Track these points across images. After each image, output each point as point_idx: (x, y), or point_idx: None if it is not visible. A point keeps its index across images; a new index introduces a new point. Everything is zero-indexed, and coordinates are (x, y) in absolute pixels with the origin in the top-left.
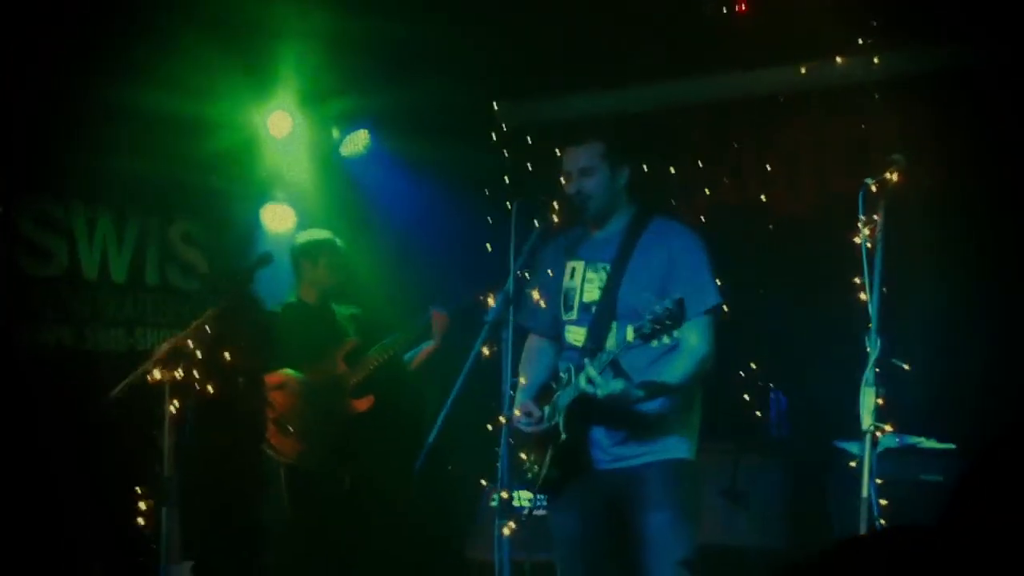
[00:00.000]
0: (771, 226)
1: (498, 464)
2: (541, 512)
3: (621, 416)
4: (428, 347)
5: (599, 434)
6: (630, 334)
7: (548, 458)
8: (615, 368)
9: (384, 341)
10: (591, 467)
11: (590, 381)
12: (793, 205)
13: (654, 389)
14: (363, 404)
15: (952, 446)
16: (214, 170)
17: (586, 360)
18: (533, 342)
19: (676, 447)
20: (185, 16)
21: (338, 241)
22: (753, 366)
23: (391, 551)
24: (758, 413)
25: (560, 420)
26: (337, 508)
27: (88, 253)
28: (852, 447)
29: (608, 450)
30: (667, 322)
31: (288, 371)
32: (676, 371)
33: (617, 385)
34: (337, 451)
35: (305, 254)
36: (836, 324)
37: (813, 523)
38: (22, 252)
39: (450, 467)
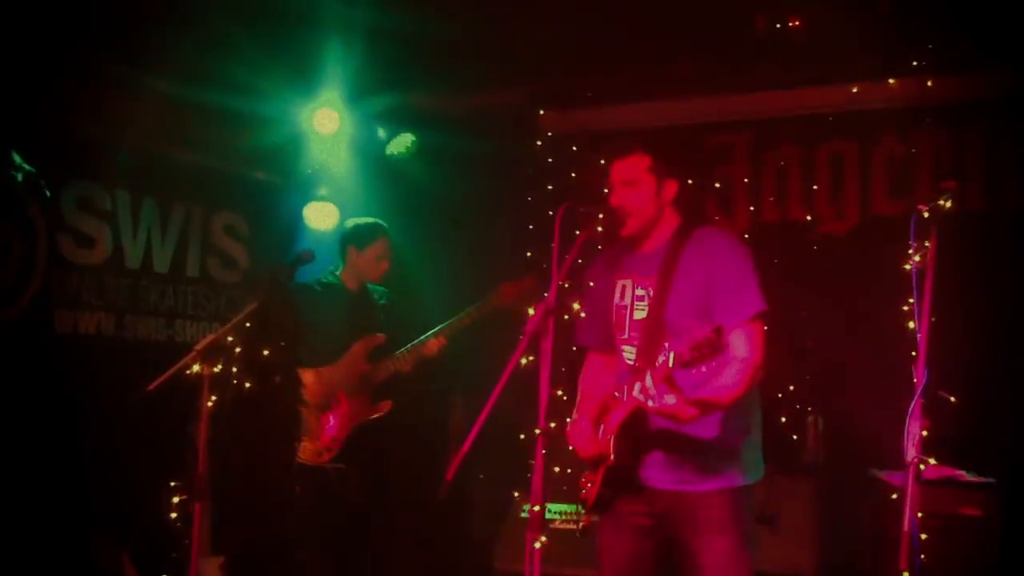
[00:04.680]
0: (815, 246)
1: (530, 476)
2: (575, 526)
3: (671, 438)
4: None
5: (655, 455)
6: (671, 360)
7: (600, 477)
8: (669, 383)
9: (406, 347)
10: (644, 487)
11: (644, 391)
12: (838, 225)
13: (706, 407)
14: (382, 408)
15: (992, 480)
16: (259, 164)
17: (648, 372)
18: (593, 360)
19: (738, 474)
20: (233, 11)
21: (388, 231)
22: (791, 387)
23: (419, 559)
24: (794, 436)
25: (611, 440)
26: (361, 512)
27: (132, 241)
28: (890, 476)
29: (665, 471)
30: (705, 350)
31: (309, 374)
32: (725, 387)
33: (670, 399)
34: (358, 453)
35: (353, 239)
36: (878, 347)
37: (844, 550)
38: (66, 238)
39: (482, 476)
